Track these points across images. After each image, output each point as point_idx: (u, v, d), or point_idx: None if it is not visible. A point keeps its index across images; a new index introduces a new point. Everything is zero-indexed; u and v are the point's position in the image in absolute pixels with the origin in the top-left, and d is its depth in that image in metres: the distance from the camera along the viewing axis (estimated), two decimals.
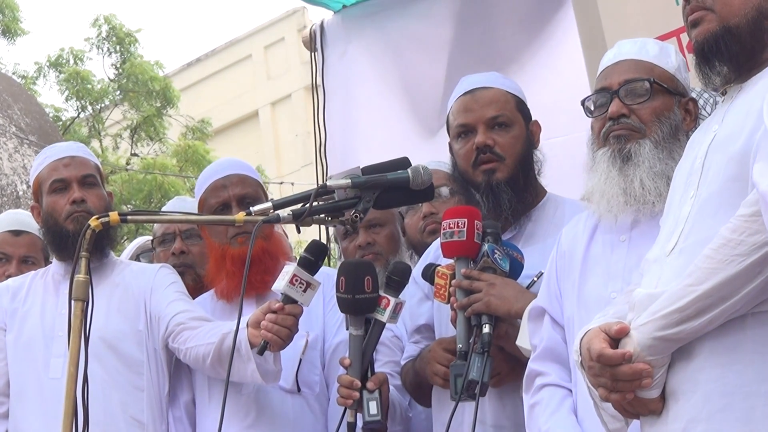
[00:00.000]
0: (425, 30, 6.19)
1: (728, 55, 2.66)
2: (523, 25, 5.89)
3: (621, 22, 4.36)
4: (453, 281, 3.42)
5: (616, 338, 2.53)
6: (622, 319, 2.58)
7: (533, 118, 3.77)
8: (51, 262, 4.32)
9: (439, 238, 3.71)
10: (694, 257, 2.46)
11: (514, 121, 3.68)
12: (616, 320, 2.59)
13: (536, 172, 3.71)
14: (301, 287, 3.47)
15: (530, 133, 3.72)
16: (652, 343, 2.48)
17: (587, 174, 3.20)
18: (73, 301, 3.20)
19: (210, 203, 3.98)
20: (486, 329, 3.30)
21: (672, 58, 3.23)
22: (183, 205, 4.86)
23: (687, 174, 2.69)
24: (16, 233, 4.87)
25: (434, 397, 3.69)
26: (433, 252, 3.81)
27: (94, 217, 3.25)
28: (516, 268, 3.45)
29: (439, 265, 3.53)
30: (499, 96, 3.71)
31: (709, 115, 3.09)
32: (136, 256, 5.12)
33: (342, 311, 3.49)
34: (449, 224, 3.43)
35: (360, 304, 3.42)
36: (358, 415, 3.41)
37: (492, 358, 3.26)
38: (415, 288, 3.76)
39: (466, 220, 3.40)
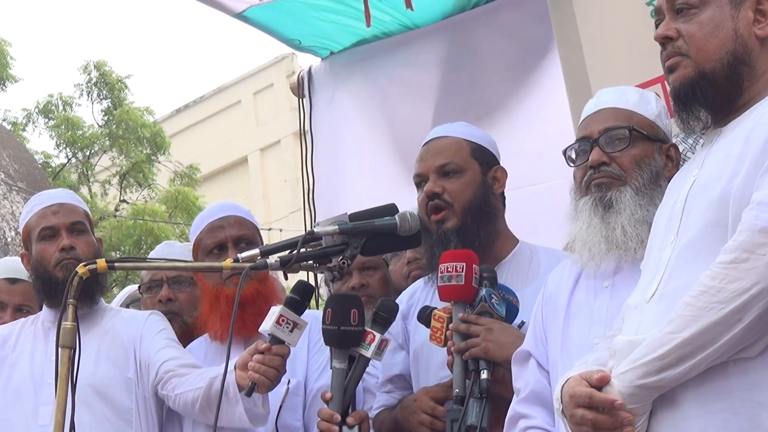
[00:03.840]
0: (412, 76, 6.20)
1: (705, 100, 2.68)
2: (509, 72, 5.91)
3: (606, 69, 4.38)
4: (450, 325, 3.39)
5: (597, 386, 2.52)
6: (602, 367, 2.58)
7: (500, 165, 3.80)
8: None
9: (411, 285, 3.73)
10: (675, 303, 2.46)
11: (466, 168, 3.73)
12: (597, 367, 2.59)
13: (497, 217, 3.74)
14: (288, 327, 3.46)
15: (488, 179, 3.75)
16: (633, 391, 2.47)
17: (570, 223, 3.22)
18: (60, 349, 3.21)
19: (206, 243, 3.99)
20: (484, 375, 3.28)
21: (652, 104, 3.25)
22: (171, 250, 4.85)
23: (667, 219, 2.71)
24: (12, 281, 4.81)
25: None
26: (407, 299, 3.84)
27: (81, 264, 3.26)
28: (511, 312, 3.46)
29: (435, 308, 3.51)
30: (450, 144, 3.77)
31: None
32: (127, 305, 5.08)
33: (326, 344, 3.46)
34: (447, 268, 3.40)
35: (345, 336, 3.39)
36: None
37: (490, 404, 3.24)
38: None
39: (464, 264, 3.38)
